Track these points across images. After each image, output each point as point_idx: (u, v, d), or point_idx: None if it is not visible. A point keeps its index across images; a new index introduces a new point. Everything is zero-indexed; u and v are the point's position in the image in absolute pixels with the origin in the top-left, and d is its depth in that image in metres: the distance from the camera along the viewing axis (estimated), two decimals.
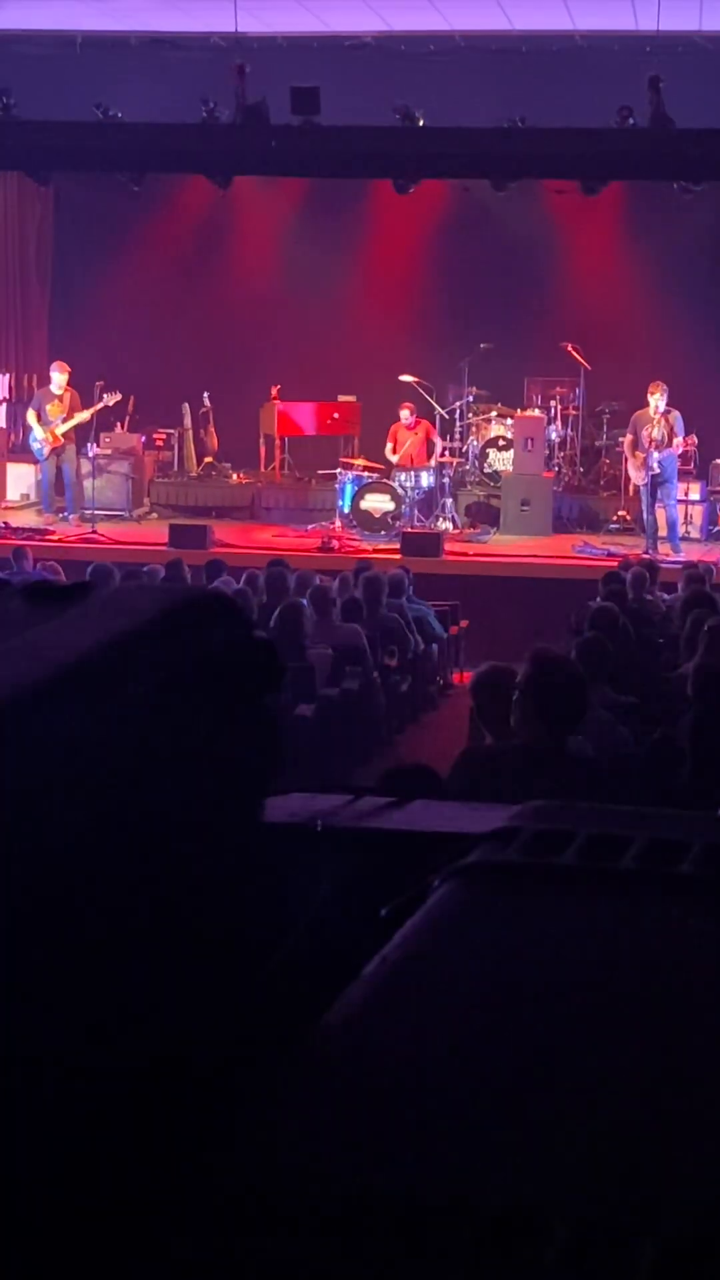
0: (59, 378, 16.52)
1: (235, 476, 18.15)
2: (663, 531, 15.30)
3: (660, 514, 15.33)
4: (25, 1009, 0.91)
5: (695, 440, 15.59)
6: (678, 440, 15.16)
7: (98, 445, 16.74)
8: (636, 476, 15.50)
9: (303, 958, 1.26)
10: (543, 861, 1.18)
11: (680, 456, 15.59)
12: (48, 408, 16.44)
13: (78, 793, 0.96)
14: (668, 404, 15.13)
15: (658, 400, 15.12)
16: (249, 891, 1.21)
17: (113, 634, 1.05)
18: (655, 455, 15.03)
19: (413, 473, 16.31)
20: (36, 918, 0.92)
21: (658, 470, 15.10)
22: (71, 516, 16.40)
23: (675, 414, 15.14)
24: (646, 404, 15.25)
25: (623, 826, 1.23)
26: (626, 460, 15.72)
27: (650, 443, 15.10)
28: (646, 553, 14.68)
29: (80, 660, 1.01)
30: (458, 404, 17.40)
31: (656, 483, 15.18)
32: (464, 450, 17.40)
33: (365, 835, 1.52)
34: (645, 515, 15.44)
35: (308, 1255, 0.83)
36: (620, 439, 16.87)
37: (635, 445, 15.29)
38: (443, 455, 16.80)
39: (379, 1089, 0.95)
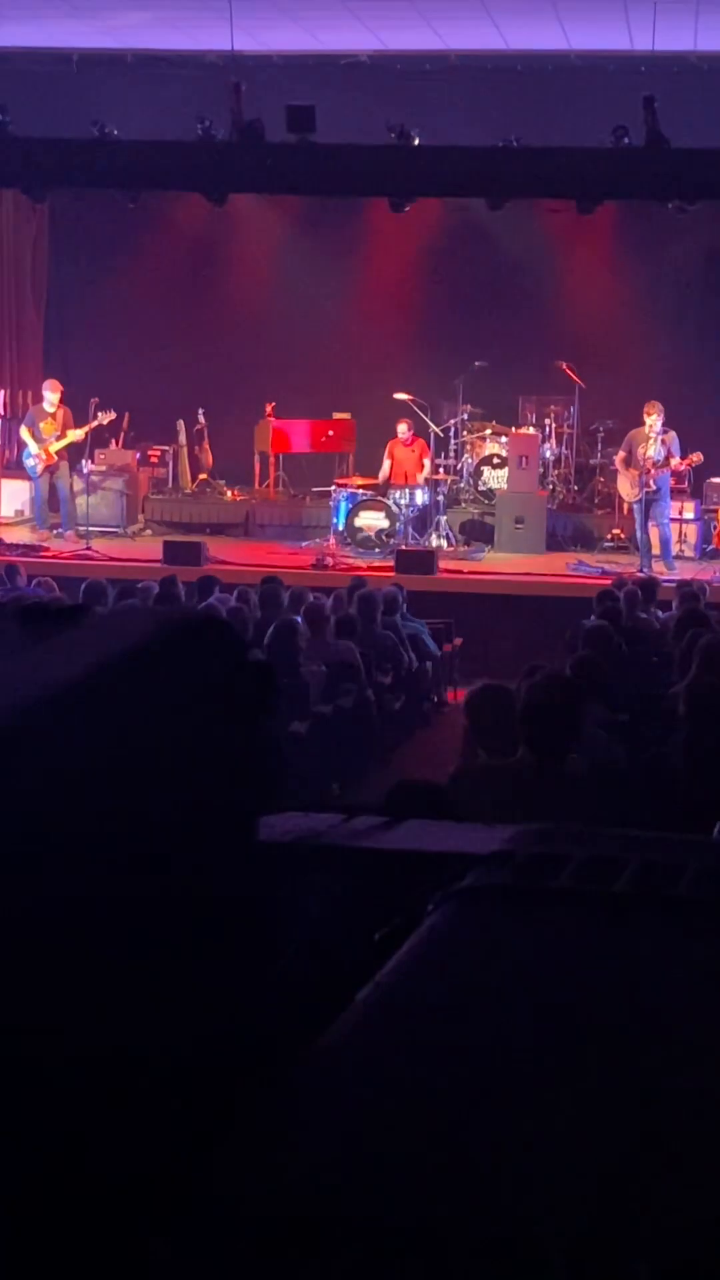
0: (52, 396, 16.54)
1: (230, 493, 18.16)
2: (656, 550, 15.34)
3: (653, 532, 15.37)
4: (20, 1028, 0.91)
5: (700, 457, 15.57)
6: (674, 460, 15.21)
7: (92, 462, 16.74)
8: (627, 494, 15.55)
9: (298, 978, 1.26)
10: (538, 885, 1.18)
11: (675, 475, 15.64)
12: (41, 425, 16.46)
13: (73, 816, 0.96)
14: (665, 425, 15.19)
15: (654, 421, 15.18)
16: (244, 911, 1.21)
17: (108, 658, 1.05)
18: (652, 473, 15.10)
19: (407, 490, 16.32)
20: (33, 938, 0.92)
21: (653, 488, 15.16)
22: (66, 533, 16.41)
23: (673, 435, 15.19)
24: (642, 423, 15.30)
25: (617, 850, 1.23)
26: (618, 476, 15.76)
27: (646, 461, 15.15)
28: (641, 571, 14.70)
29: (76, 684, 1.01)
30: (452, 422, 17.42)
31: (650, 501, 15.23)
32: (458, 468, 17.42)
33: (360, 855, 1.52)
34: (640, 534, 15.48)
35: (304, 1278, 0.83)
36: (614, 457, 16.93)
37: (627, 462, 15.34)
38: (437, 473, 16.82)
39: (376, 1113, 0.95)
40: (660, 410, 15.21)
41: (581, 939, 1.12)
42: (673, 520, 15.82)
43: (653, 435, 15.18)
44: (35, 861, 0.92)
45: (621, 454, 15.52)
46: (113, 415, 16.68)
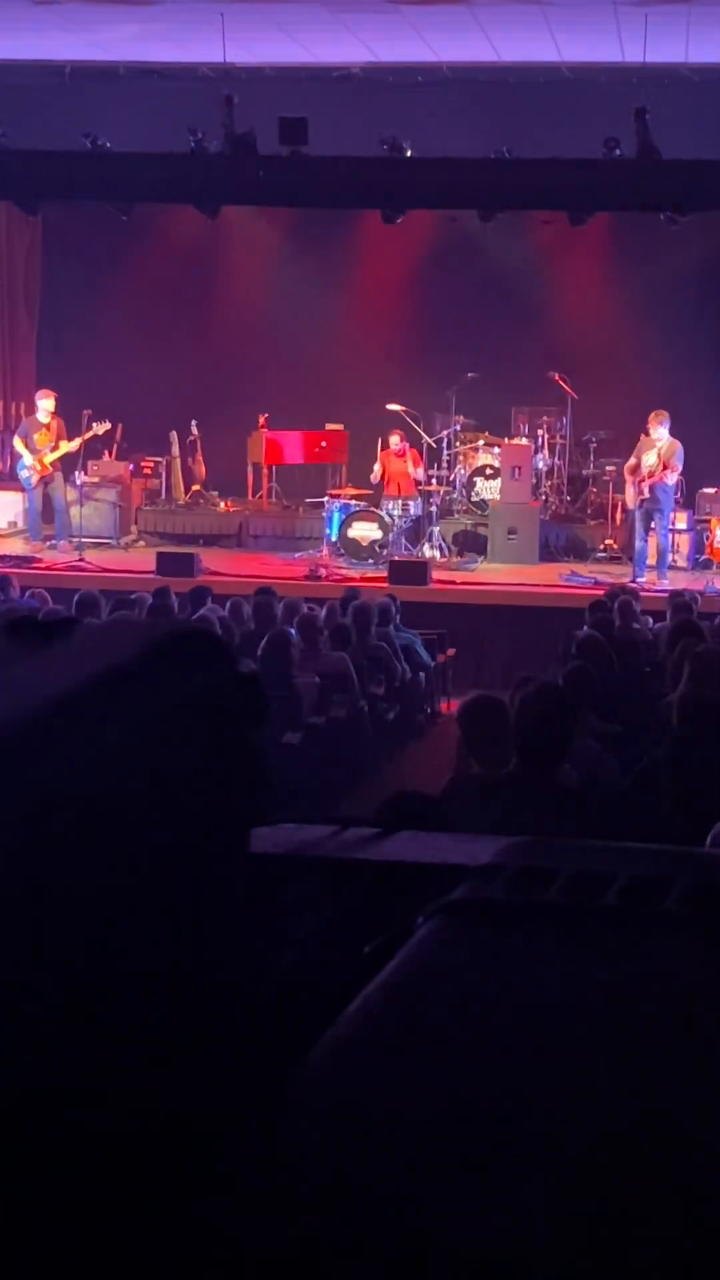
0: (46, 405, 16.53)
1: (223, 504, 18.17)
2: (652, 560, 15.36)
3: (651, 542, 15.40)
4: (9, 1043, 0.91)
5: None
6: (674, 472, 15.22)
7: (85, 473, 16.75)
8: (631, 501, 15.57)
9: (288, 992, 1.26)
10: (527, 899, 1.18)
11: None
12: (35, 436, 16.44)
13: (61, 831, 0.96)
14: (670, 434, 15.23)
15: (655, 430, 15.21)
16: (236, 924, 1.21)
17: (96, 671, 1.05)
18: (647, 483, 15.14)
19: (400, 501, 16.34)
20: (20, 955, 0.92)
21: (647, 496, 15.19)
22: (60, 544, 16.40)
23: (676, 445, 15.19)
24: (647, 431, 15.33)
25: (608, 864, 1.23)
26: (626, 484, 15.78)
27: (645, 470, 15.21)
28: (634, 581, 14.73)
29: (63, 698, 1.01)
30: (445, 433, 17.44)
31: (651, 510, 15.26)
32: (451, 479, 17.44)
33: (352, 867, 1.52)
34: (638, 543, 15.49)
35: None
36: (607, 467, 16.97)
37: (635, 470, 15.37)
38: (430, 484, 16.84)
39: (364, 1129, 0.95)
40: (663, 420, 15.23)
41: (570, 954, 1.12)
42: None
43: (658, 444, 15.22)
44: (18, 878, 0.92)
45: (631, 461, 15.57)
46: (107, 425, 16.66)
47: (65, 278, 19.06)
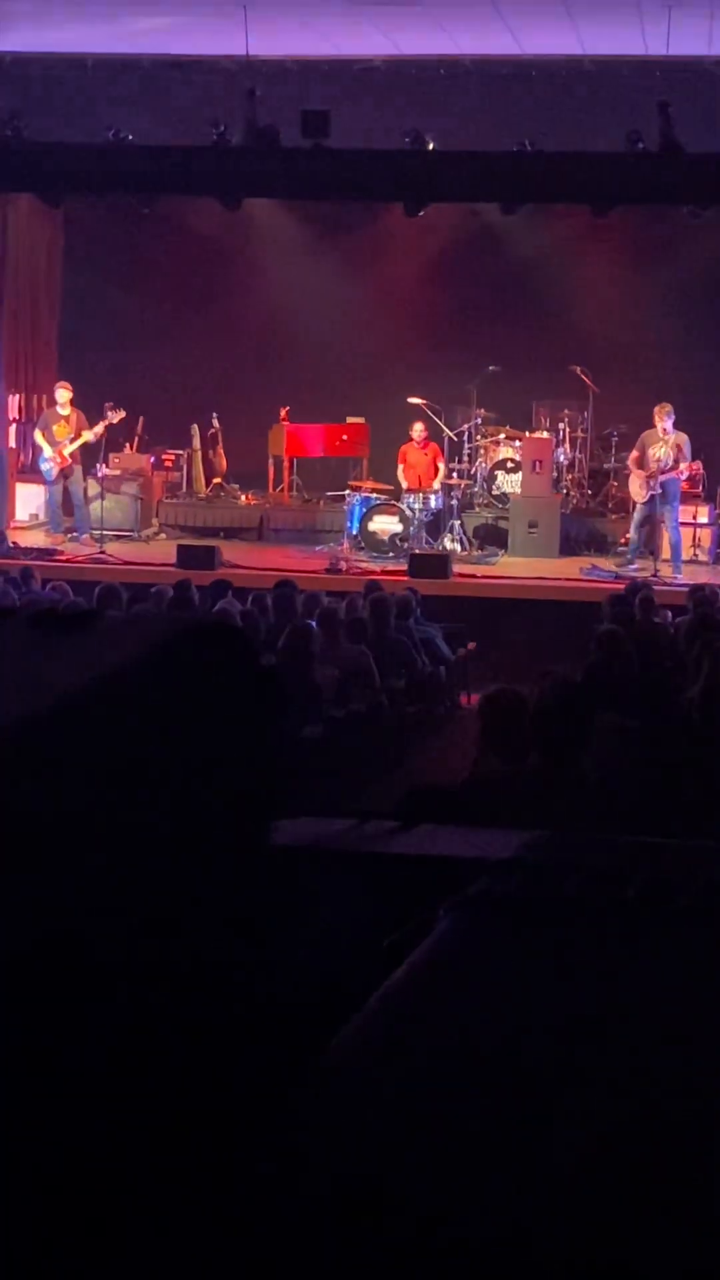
0: (64, 396, 16.57)
1: (244, 497, 18.18)
2: (665, 554, 15.33)
3: (663, 536, 15.36)
4: (30, 1034, 0.92)
5: (700, 466, 15.61)
6: (683, 465, 15.20)
7: (107, 465, 16.76)
8: (637, 494, 15.53)
9: (308, 984, 1.27)
10: (546, 895, 1.19)
11: (687, 480, 15.64)
12: (54, 428, 16.48)
13: (83, 819, 0.96)
14: (675, 427, 15.18)
15: (664, 423, 15.16)
16: (257, 915, 1.22)
17: (118, 663, 1.06)
18: (660, 477, 15.09)
19: (421, 494, 16.33)
20: (42, 943, 0.93)
21: (660, 491, 15.15)
22: (81, 536, 16.43)
23: (684, 437, 15.17)
24: (654, 424, 15.29)
25: (626, 859, 1.23)
26: (629, 475, 15.73)
27: (655, 464, 15.15)
28: (655, 575, 14.69)
29: (86, 690, 1.01)
30: (466, 426, 17.42)
31: (659, 503, 15.22)
32: (472, 472, 17.42)
33: (372, 860, 1.53)
34: (632, 533, 15.49)
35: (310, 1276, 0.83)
36: (628, 461, 16.92)
37: (640, 462, 15.33)
38: (450, 478, 16.83)
39: (383, 1118, 0.95)
40: (670, 412, 15.20)
41: (589, 948, 1.12)
42: (687, 525, 15.80)
43: (665, 437, 15.17)
44: (44, 864, 0.92)
45: (635, 454, 15.53)
46: (123, 413, 16.69)
47: (87, 271, 19.05)
